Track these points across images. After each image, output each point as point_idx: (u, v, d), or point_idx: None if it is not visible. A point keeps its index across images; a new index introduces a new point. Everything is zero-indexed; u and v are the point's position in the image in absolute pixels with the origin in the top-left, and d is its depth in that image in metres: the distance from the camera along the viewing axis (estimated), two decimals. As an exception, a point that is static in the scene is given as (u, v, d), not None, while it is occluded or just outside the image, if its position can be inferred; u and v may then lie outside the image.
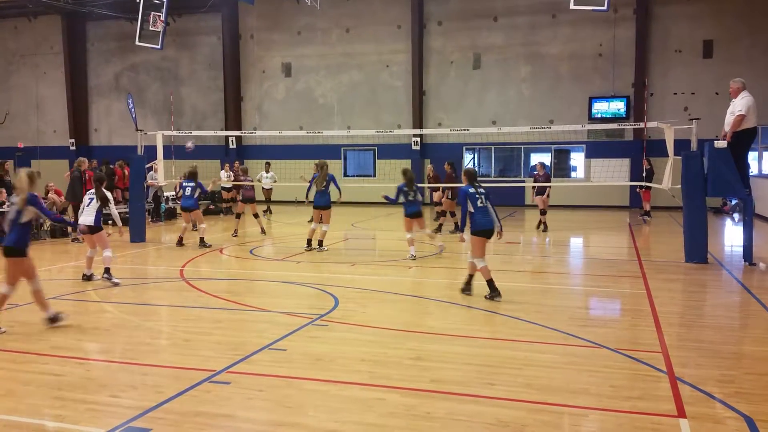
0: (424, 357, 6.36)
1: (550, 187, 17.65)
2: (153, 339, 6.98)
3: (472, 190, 8.91)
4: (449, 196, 16.99)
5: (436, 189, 18.92)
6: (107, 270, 9.96)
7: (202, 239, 14.18)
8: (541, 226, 17.41)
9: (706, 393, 5.30)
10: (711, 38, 23.96)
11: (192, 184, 14.35)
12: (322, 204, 13.41)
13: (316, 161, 13.76)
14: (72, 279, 10.90)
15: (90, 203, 10.15)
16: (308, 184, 14.07)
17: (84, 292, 9.61)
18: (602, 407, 5.04)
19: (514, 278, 10.97)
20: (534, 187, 17.80)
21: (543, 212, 17.47)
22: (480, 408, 5.02)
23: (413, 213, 12.48)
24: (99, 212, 10.05)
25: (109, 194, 10.28)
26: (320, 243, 13.40)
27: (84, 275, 10.32)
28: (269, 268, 11.83)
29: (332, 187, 13.50)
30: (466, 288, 9.12)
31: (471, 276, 9.12)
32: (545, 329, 7.32)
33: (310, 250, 13.39)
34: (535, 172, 17.85)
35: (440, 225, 17.20)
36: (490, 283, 8.81)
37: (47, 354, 6.46)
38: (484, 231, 8.83)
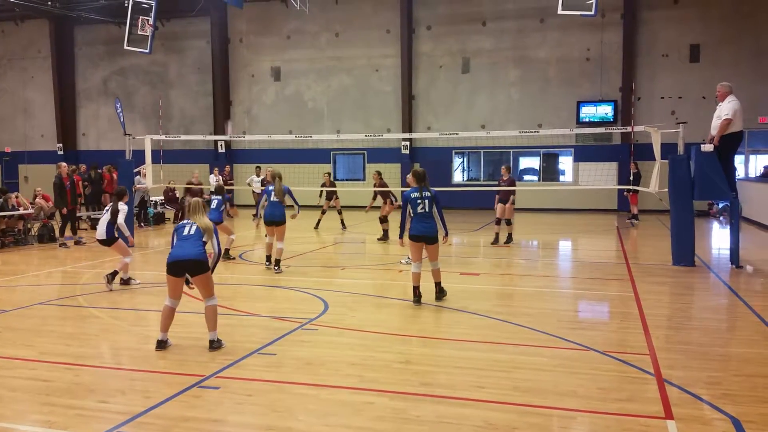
0: (413, 361, 6.37)
1: (514, 194, 15.07)
2: (142, 344, 6.95)
3: (414, 195, 8.70)
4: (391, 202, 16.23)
5: None
6: (114, 273, 10.04)
7: (227, 251, 13.71)
8: (505, 238, 15.07)
9: (694, 395, 5.34)
10: (698, 42, 24.15)
11: (219, 197, 13.65)
12: (276, 218, 11.63)
13: (269, 169, 12.72)
14: (60, 284, 10.86)
15: (104, 215, 10.28)
16: (260, 196, 12.42)
17: (72, 297, 9.56)
18: (590, 409, 5.07)
19: (503, 281, 11.01)
20: (497, 194, 15.12)
21: (508, 222, 15.02)
22: (469, 411, 5.03)
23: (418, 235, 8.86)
24: (111, 224, 10.12)
25: (122, 207, 10.26)
26: (277, 263, 11.60)
27: (121, 279, 10.27)
28: (258, 273, 11.80)
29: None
30: (415, 299, 8.78)
31: (415, 287, 8.82)
32: (534, 332, 7.35)
33: (269, 267, 11.80)
34: (501, 177, 15.22)
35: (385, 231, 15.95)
36: (415, 289, 8.76)
37: (35, 360, 6.42)
38: (418, 236, 8.64)
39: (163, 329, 6.77)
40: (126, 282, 10.32)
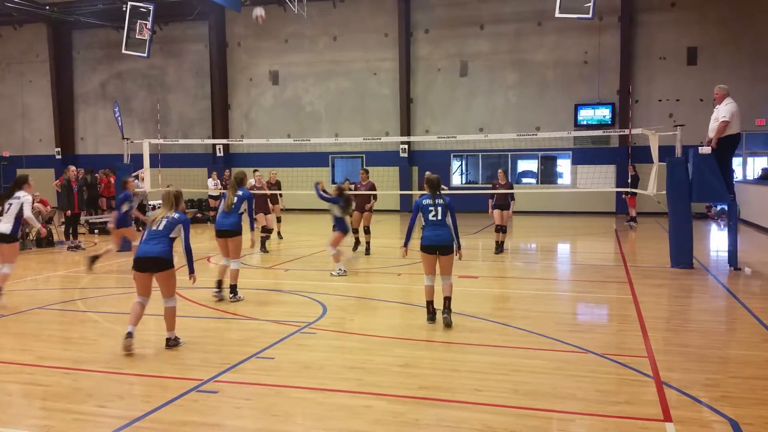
0: (411, 364, 6.37)
1: (513, 199, 14.51)
2: (140, 348, 6.94)
3: (426, 201, 7.98)
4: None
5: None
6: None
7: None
8: (500, 248, 14.29)
9: (692, 397, 5.34)
10: (695, 45, 24.20)
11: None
12: (227, 229, 9.39)
13: (236, 173, 10.00)
14: (59, 288, 10.85)
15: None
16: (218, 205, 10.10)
17: (71, 302, 9.56)
18: (589, 412, 5.07)
19: (501, 284, 11.01)
20: (492, 198, 14.39)
21: (504, 230, 14.34)
22: (468, 414, 5.03)
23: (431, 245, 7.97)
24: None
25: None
26: (232, 289, 9.32)
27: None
28: (257, 277, 11.80)
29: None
30: (429, 317, 8.00)
31: (428, 302, 8.04)
32: (532, 335, 7.35)
33: (219, 295, 9.40)
34: (496, 180, 14.48)
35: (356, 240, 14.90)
36: (428, 304, 7.98)
37: (34, 364, 6.41)
38: (430, 246, 7.86)
39: (131, 322, 6.80)
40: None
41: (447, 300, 7.86)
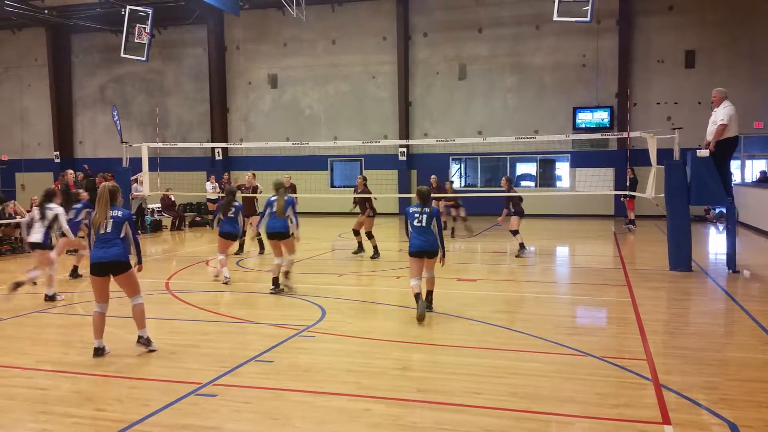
0: (410, 367, 6.37)
1: (511, 202, 14.70)
2: (138, 352, 6.94)
3: (412, 209, 8.64)
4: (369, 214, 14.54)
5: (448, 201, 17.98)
6: (286, 273, 10.37)
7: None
8: (518, 248, 14.61)
9: (691, 400, 5.34)
10: (693, 48, 24.26)
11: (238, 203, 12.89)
12: (280, 231, 10.38)
13: (277, 182, 10.68)
14: (57, 292, 10.82)
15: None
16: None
17: (70, 305, 9.55)
18: (588, 415, 5.07)
19: (500, 287, 11.02)
20: (510, 207, 14.61)
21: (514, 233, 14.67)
22: (466, 417, 5.03)
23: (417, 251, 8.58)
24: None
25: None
26: (286, 274, 10.42)
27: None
28: (255, 280, 11.79)
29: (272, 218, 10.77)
30: (419, 312, 8.24)
31: (416, 295, 8.39)
32: (531, 338, 7.35)
33: (276, 291, 10.22)
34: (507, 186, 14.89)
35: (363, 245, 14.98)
36: (416, 297, 8.35)
37: (32, 368, 6.41)
38: (417, 252, 8.46)
39: (96, 336, 6.74)
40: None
41: (429, 293, 8.71)
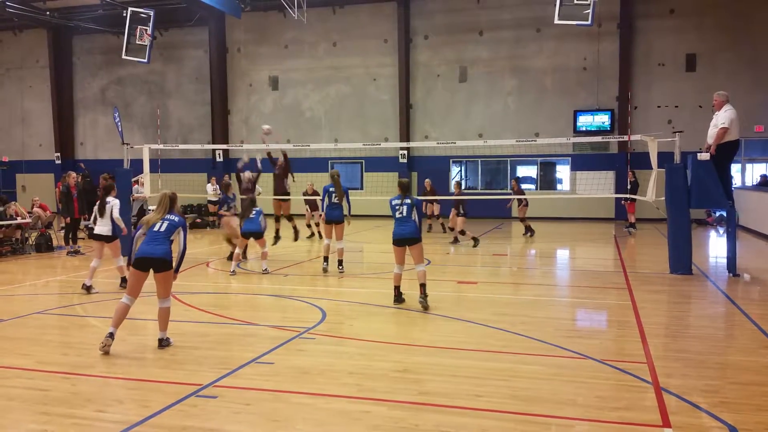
0: (410, 369, 6.37)
1: (510, 201, 20.21)
2: (139, 353, 6.94)
3: (395, 202, 9.38)
4: (460, 213, 16.82)
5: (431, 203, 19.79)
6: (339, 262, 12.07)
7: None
8: (528, 233, 18.95)
9: (691, 403, 5.34)
10: (694, 52, 24.27)
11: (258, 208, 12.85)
12: (337, 218, 12.44)
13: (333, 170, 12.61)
14: (58, 293, 10.84)
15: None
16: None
17: (70, 306, 9.55)
18: (589, 418, 5.07)
19: (501, 290, 11.01)
20: (523, 201, 19.16)
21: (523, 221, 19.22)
22: (467, 420, 5.03)
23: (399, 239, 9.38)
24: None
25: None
26: (340, 263, 12.50)
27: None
28: (256, 282, 11.80)
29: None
30: (395, 299, 9.44)
31: (396, 287, 9.47)
32: (531, 340, 7.35)
33: (326, 267, 12.44)
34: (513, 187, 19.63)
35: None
36: (396, 289, 9.38)
37: (33, 369, 6.41)
38: (398, 240, 9.25)
39: (114, 325, 6.96)
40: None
41: (422, 287, 9.07)
